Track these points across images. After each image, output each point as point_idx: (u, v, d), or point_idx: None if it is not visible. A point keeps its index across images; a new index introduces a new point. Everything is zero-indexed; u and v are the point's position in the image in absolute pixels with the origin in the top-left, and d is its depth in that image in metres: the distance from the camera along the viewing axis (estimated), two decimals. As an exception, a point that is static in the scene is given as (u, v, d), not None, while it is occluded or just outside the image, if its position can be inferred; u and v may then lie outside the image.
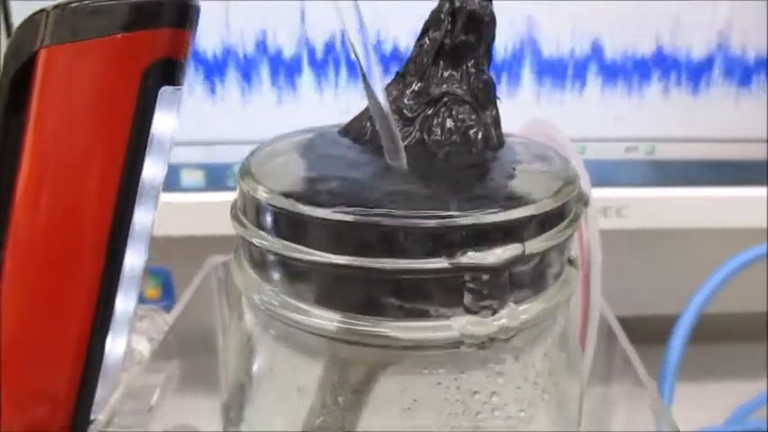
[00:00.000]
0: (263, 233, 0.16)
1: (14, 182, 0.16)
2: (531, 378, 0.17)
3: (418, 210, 0.14)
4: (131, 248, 0.18)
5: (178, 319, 0.23)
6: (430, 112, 0.19)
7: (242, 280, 0.17)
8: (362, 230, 0.14)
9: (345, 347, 0.16)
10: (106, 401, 0.18)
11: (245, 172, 0.17)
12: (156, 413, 0.20)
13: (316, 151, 0.18)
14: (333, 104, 0.38)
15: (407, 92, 0.20)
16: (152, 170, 0.17)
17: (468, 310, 0.15)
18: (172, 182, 0.38)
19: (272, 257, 0.16)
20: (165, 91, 0.16)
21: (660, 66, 0.39)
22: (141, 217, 0.18)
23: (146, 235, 0.18)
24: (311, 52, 0.37)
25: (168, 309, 0.32)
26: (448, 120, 0.19)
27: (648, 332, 0.31)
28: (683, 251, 0.47)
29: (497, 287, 0.15)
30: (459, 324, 0.15)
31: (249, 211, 0.16)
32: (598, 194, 0.26)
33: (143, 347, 0.21)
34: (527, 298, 0.16)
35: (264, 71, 0.37)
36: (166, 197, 0.41)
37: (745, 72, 0.39)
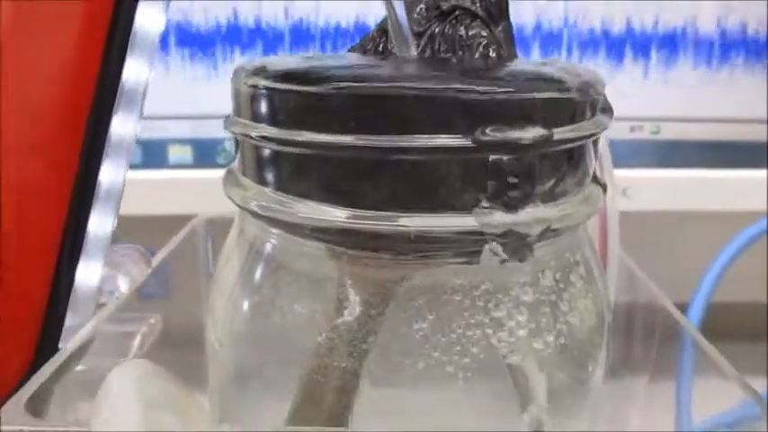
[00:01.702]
0: (261, 125, 0.14)
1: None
2: (556, 299, 0.15)
3: (434, 85, 0.13)
4: (109, 159, 0.16)
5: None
6: (439, 26, 0.18)
7: (238, 192, 0.15)
8: (372, 105, 0.13)
9: (354, 259, 0.14)
10: (77, 331, 0.16)
11: (238, 71, 0.15)
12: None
13: (316, 57, 0.17)
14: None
15: (416, 8, 0.18)
16: (135, 71, 0.16)
17: (490, 201, 0.13)
18: (158, 158, 0.36)
19: (271, 152, 0.14)
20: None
21: (667, 43, 0.38)
22: (122, 124, 0.16)
23: (127, 145, 0.16)
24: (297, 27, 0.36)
25: (155, 295, 0.30)
26: (459, 34, 0.18)
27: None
28: (690, 235, 0.45)
29: (522, 175, 0.13)
30: (480, 215, 0.13)
31: (244, 107, 0.15)
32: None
33: (125, 288, 0.19)
34: (551, 201, 0.14)
35: (259, 45, 0.36)
36: (152, 174, 0.39)
37: (755, 50, 0.38)
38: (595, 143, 0.16)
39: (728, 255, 0.32)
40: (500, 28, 0.18)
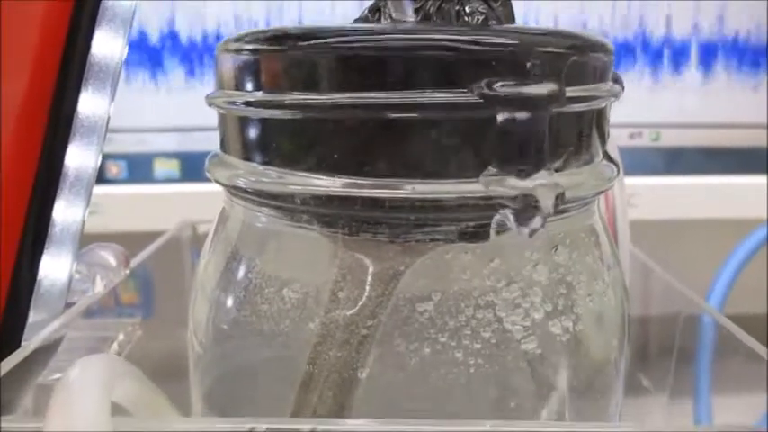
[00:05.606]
0: (246, 92, 0.13)
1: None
2: (572, 280, 0.14)
3: (435, 36, 0.12)
4: (78, 140, 0.14)
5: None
6: (435, 2, 0.17)
7: (224, 172, 0.14)
8: (365, 59, 0.11)
9: (350, 242, 0.13)
10: (43, 328, 0.14)
11: (220, 43, 0.14)
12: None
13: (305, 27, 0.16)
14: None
15: (410, -16, 0.17)
16: (106, 45, 0.14)
17: (499, 164, 0.12)
18: (144, 172, 0.35)
19: (258, 123, 0.13)
20: None
21: (665, 49, 0.37)
22: (91, 102, 0.15)
23: (99, 125, 0.15)
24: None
25: (147, 316, 0.29)
26: (456, 9, 0.17)
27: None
28: (694, 243, 0.44)
29: (533, 135, 0.12)
30: (488, 180, 0.11)
31: (227, 77, 0.14)
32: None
33: (101, 289, 0.17)
34: (562, 169, 0.13)
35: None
36: (138, 189, 0.38)
37: (754, 57, 0.37)
38: (605, 115, 0.15)
39: (733, 267, 0.31)
40: (499, 3, 0.18)
